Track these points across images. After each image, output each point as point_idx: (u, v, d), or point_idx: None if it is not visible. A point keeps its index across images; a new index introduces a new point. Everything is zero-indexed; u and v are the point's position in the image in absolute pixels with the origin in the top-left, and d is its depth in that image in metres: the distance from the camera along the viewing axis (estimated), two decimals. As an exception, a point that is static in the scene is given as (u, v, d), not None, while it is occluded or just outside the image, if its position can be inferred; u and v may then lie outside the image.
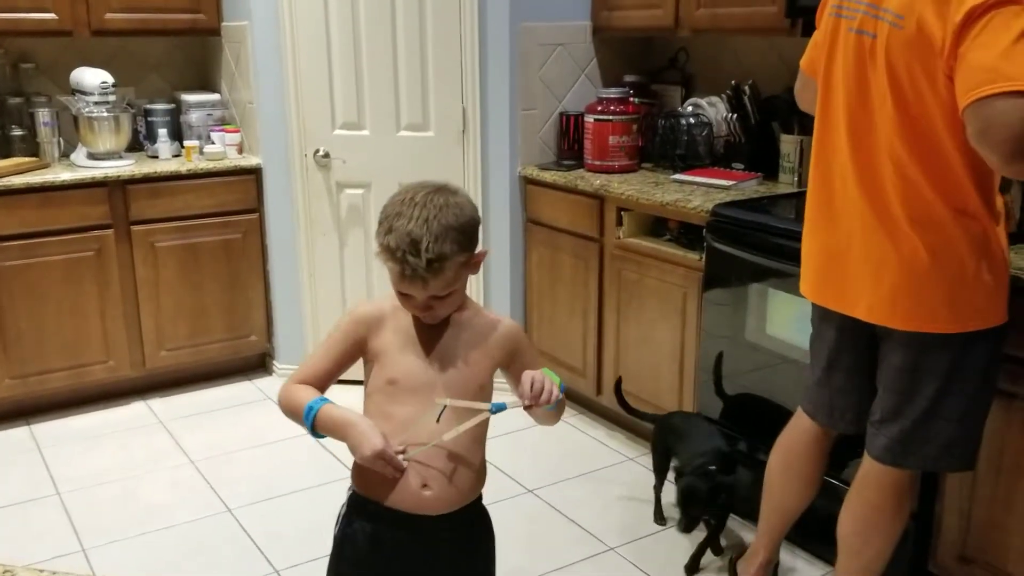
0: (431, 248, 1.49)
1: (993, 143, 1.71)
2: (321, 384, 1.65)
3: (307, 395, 1.61)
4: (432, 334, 1.62)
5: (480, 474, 1.69)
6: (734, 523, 2.90)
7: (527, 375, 1.54)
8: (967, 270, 1.90)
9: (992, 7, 1.69)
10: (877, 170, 1.93)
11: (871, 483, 2.13)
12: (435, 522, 1.60)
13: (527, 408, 1.53)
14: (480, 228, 1.61)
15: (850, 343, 2.16)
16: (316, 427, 1.58)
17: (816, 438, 2.32)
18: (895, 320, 1.98)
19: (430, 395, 1.58)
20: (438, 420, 1.55)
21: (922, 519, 2.39)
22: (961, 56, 1.73)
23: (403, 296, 1.57)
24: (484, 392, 1.64)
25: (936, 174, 1.87)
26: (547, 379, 1.54)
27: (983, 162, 1.82)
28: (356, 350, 1.64)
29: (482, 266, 1.68)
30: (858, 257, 2.02)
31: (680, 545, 2.77)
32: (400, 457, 1.54)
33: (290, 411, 1.63)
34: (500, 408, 1.54)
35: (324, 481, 3.12)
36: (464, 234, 1.54)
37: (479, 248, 1.60)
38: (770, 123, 3.35)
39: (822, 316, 2.22)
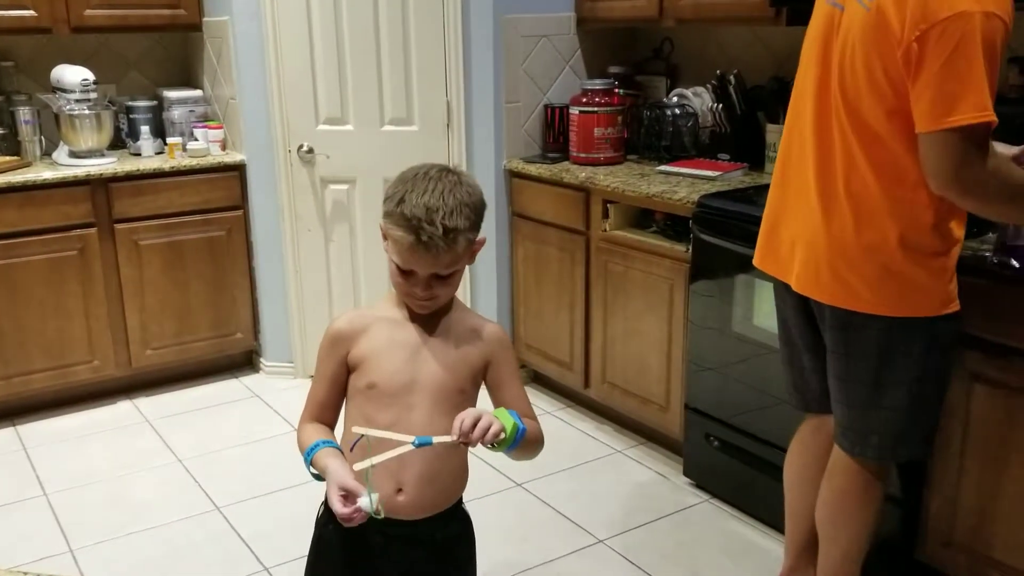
0: (447, 218, 1.48)
1: None
2: (328, 414, 1.64)
3: (309, 438, 1.59)
4: (416, 339, 1.60)
5: (460, 477, 1.67)
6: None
7: (463, 412, 1.46)
8: (894, 255, 1.89)
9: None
10: (830, 141, 1.95)
11: (839, 469, 2.14)
12: (410, 526, 1.58)
13: (463, 443, 1.46)
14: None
15: (801, 320, 2.18)
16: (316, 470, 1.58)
17: (816, 436, 2.29)
18: (818, 292, 2.00)
19: (408, 399, 1.57)
20: (351, 449, 1.53)
21: (909, 507, 2.39)
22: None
23: (404, 277, 1.54)
24: (465, 396, 1.61)
25: (876, 156, 1.88)
26: (486, 416, 1.46)
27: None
28: (345, 368, 1.62)
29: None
30: (797, 225, 2.04)
31: (669, 537, 2.77)
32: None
33: (300, 452, 1.62)
34: (425, 443, 1.45)
35: (312, 478, 3.11)
36: (475, 212, 1.55)
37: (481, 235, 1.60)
38: (755, 113, 3.35)
39: (775, 290, 2.25)
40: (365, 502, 1.44)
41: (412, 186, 1.51)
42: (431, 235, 1.47)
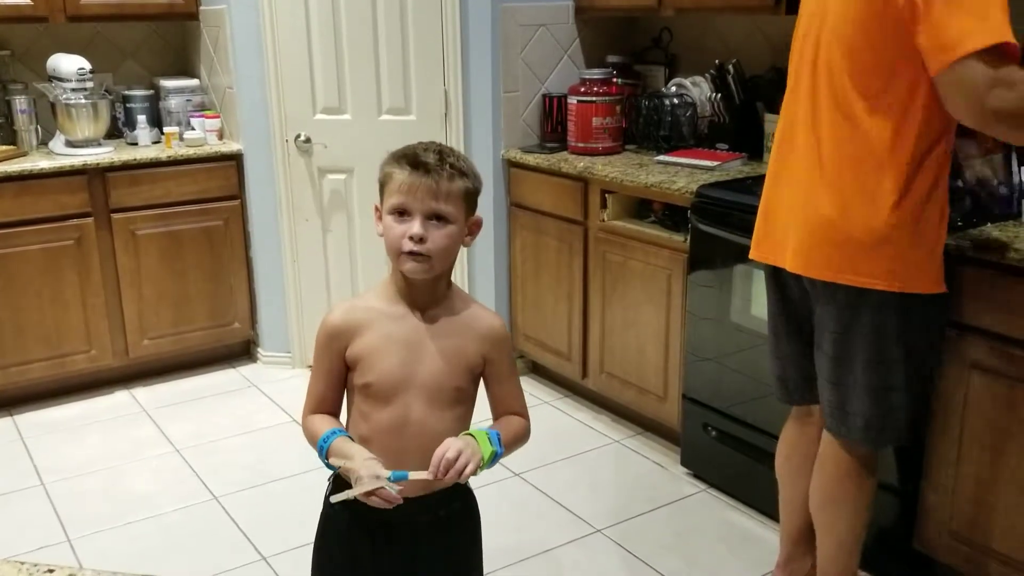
0: (450, 158, 1.54)
1: None
2: (331, 405, 1.64)
3: (321, 428, 1.59)
4: (414, 334, 1.59)
5: None
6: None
7: (445, 444, 1.47)
8: (892, 232, 1.90)
9: None
10: (826, 116, 1.96)
11: (828, 458, 2.15)
12: (416, 503, 1.59)
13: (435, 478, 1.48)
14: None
15: (788, 307, 2.19)
16: (330, 461, 1.58)
17: (804, 426, 2.30)
18: (810, 268, 2.01)
19: (405, 397, 1.57)
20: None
21: (906, 496, 2.40)
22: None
23: (400, 221, 1.53)
24: (461, 395, 1.61)
25: (871, 130, 1.88)
26: (465, 453, 1.47)
27: (928, 128, 1.86)
28: (342, 361, 1.62)
29: (466, 249, 1.67)
30: (790, 206, 2.06)
31: (667, 527, 2.78)
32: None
33: (312, 444, 1.61)
34: (400, 478, 1.46)
35: (310, 467, 3.10)
36: (473, 174, 1.58)
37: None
38: (754, 103, 3.34)
39: (765, 280, 2.26)
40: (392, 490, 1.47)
41: (408, 145, 1.58)
42: (428, 159, 1.52)
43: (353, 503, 1.52)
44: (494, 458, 1.54)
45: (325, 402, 1.64)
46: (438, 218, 1.53)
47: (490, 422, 1.68)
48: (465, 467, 1.46)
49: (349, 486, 1.54)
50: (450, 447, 1.47)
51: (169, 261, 3.78)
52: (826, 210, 1.96)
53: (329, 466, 1.59)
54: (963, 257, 2.14)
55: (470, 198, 1.57)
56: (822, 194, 1.97)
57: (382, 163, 1.59)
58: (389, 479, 1.46)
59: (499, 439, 1.56)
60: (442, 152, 1.54)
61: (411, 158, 1.53)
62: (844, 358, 2.04)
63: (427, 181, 1.51)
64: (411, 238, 1.51)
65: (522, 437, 1.67)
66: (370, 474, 1.45)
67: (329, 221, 3.86)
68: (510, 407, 1.68)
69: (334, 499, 1.51)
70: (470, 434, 1.54)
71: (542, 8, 3.65)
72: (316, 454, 1.59)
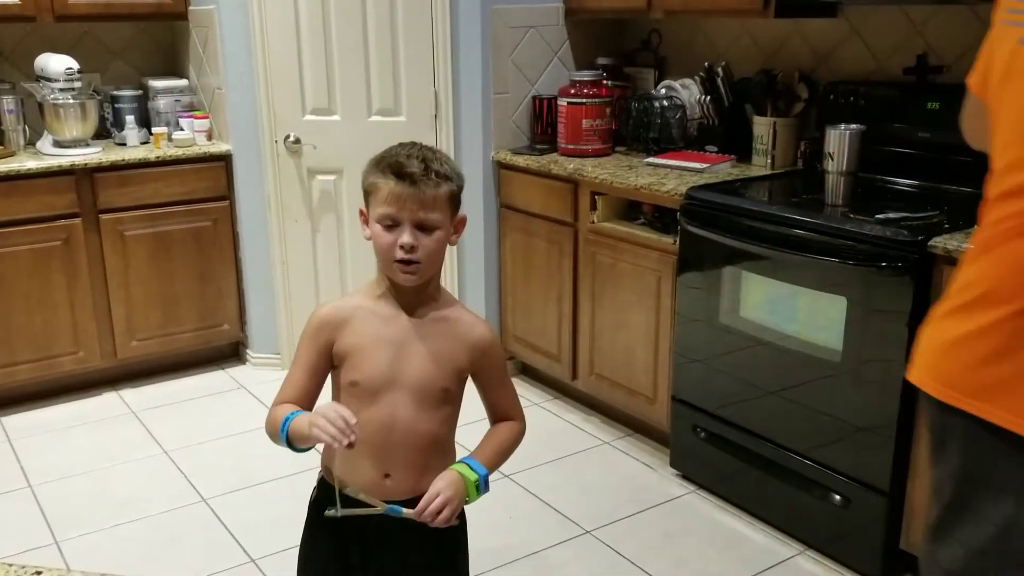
0: (428, 160, 1.53)
1: None
2: (303, 400, 1.62)
3: (282, 413, 1.58)
4: (402, 334, 1.59)
5: (448, 456, 1.68)
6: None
7: (434, 487, 1.51)
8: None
9: None
10: None
11: None
12: (403, 506, 1.59)
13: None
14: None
15: None
16: (291, 440, 1.55)
17: None
18: None
19: (391, 397, 1.57)
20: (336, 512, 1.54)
21: (894, 498, 2.41)
22: None
23: (389, 231, 1.53)
24: (448, 395, 1.62)
25: None
26: (449, 498, 1.50)
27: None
28: (326, 357, 1.61)
29: (456, 251, 1.67)
30: None
31: (656, 528, 2.78)
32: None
33: (271, 434, 1.60)
34: (395, 512, 1.51)
35: (298, 470, 3.10)
36: (456, 174, 1.58)
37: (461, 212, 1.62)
38: (743, 105, 3.35)
39: None
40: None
41: (390, 150, 1.57)
42: (414, 169, 1.51)
43: (341, 519, 1.52)
44: (479, 488, 1.56)
45: (298, 394, 1.62)
46: (426, 226, 1.54)
47: (480, 423, 1.69)
48: (444, 512, 1.50)
49: (332, 491, 1.54)
50: (438, 494, 1.50)
51: (157, 262, 3.77)
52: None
53: (293, 448, 1.56)
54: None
55: (455, 199, 1.58)
56: None
57: (365, 170, 1.58)
58: (386, 509, 1.51)
59: (483, 469, 1.58)
60: (426, 159, 1.53)
61: (395, 168, 1.52)
62: None
63: (414, 192, 1.51)
64: (402, 247, 1.52)
65: (514, 443, 1.68)
66: (333, 415, 1.43)
67: (318, 222, 3.86)
68: (504, 411, 1.70)
69: (328, 514, 1.51)
70: (458, 470, 1.55)
71: (532, 10, 3.66)
72: (279, 445, 1.58)
